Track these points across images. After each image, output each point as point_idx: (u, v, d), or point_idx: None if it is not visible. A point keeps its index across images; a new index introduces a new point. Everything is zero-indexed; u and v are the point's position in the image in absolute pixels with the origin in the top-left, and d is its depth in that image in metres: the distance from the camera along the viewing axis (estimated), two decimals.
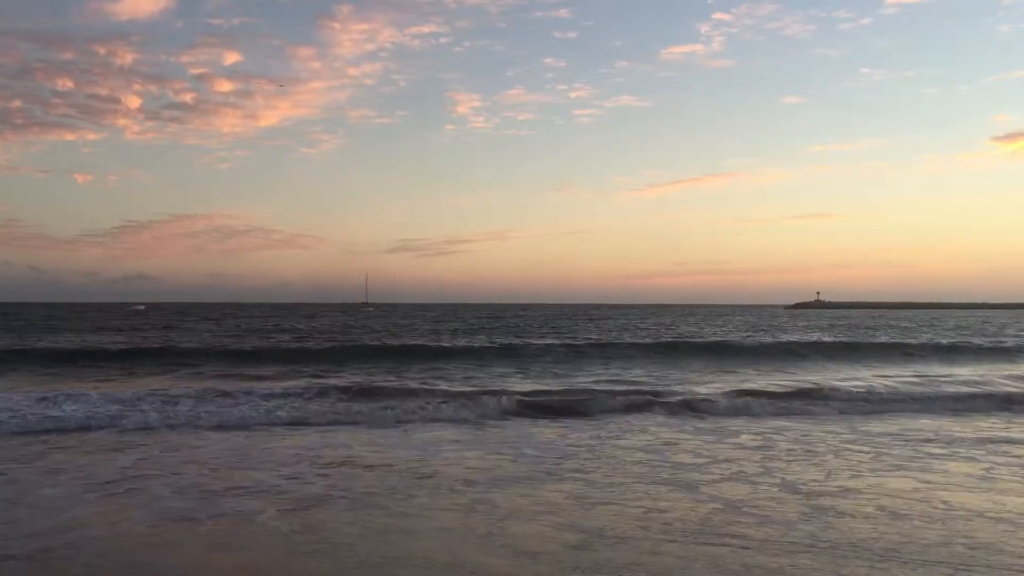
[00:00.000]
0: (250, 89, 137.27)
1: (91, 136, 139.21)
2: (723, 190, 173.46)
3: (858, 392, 15.56)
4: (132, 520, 6.58)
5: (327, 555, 5.68)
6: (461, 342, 30.31)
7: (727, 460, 9.26)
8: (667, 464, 9.01)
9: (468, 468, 8.78)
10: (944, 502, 7.18)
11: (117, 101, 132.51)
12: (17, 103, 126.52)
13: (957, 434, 11.30)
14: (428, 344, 28.45)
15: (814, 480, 8.16)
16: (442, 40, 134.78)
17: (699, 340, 32.05)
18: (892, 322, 66.06)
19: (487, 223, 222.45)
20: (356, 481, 8.09)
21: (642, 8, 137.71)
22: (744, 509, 6.93)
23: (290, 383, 16.65)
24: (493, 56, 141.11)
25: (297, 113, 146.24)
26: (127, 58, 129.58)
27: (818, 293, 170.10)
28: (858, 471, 8.63)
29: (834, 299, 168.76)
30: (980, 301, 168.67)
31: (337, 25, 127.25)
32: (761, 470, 8.67)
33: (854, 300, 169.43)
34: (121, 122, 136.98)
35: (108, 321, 57.17)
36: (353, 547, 5.87)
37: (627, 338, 34.28)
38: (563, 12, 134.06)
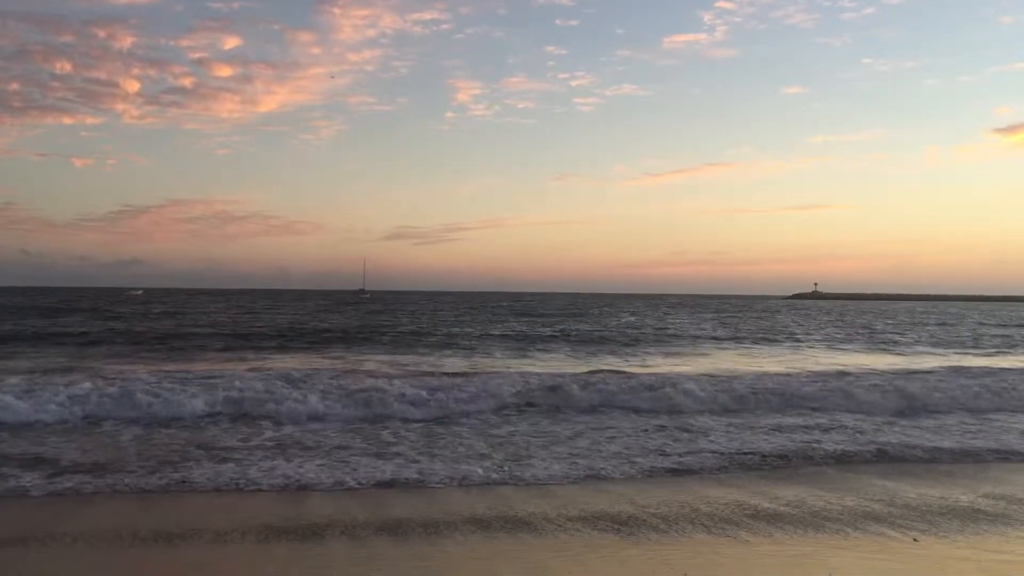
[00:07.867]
0: (249, 74, 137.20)
1: (89, 120, 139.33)
2: (723, 180, 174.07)
3: None
4: None
5: None
6: None
7: None
8: None
9: None
10: None
11: (116, 85, 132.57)
12: (15, 86, 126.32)
13: None
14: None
15: None
16: (443, 27, 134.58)
17: None
18: (888, 316, 66.28)
19: (486, 211, 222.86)
20: None
21: None
22: None
23: None
24: (494, 43, 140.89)
25: (296, 99, 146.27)
26: (126, 41, 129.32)
27: (816, 284, 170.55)
28: None
29: (832, 290, 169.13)
30: (980, 294, 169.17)
31: (337, 10, 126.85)
32: None
33: (852, 291, 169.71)
34: (120, 106, 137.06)
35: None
36: None
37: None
38: (565, 0, 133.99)
